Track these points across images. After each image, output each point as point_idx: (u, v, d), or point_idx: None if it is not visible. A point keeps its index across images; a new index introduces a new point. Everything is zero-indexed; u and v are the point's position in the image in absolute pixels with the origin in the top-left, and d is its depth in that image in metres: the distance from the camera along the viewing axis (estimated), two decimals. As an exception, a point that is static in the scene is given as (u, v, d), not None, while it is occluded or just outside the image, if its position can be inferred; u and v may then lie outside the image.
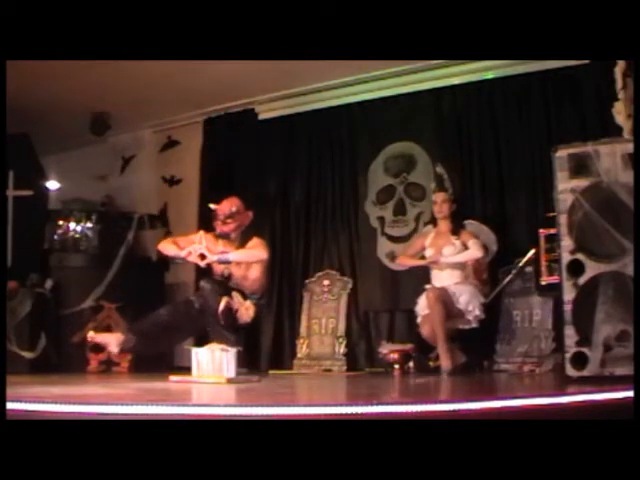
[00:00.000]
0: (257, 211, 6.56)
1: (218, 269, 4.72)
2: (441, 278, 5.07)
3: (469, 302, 4.92)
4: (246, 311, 4.43)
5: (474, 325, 4.95)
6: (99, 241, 6.55)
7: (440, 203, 5.16)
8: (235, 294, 4.45)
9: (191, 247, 4.50)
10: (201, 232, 4.65)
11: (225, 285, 4.54)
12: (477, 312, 4.93)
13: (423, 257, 5.24)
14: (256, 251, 4.61)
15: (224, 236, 4.66)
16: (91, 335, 4.61)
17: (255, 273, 4.62)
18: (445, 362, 4.73)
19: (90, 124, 7.00)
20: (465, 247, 5.03)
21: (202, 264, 4.52)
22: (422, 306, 5.03)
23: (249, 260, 4.59)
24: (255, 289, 4.62)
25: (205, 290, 4.45)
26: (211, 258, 4.47)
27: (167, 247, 4.72)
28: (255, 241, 4.69)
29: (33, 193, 6.28)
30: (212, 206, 4.79)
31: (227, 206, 4.69)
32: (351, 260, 6.34)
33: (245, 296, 4.52)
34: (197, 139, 7.16)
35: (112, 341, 4.42)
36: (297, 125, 6.71)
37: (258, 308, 4.57)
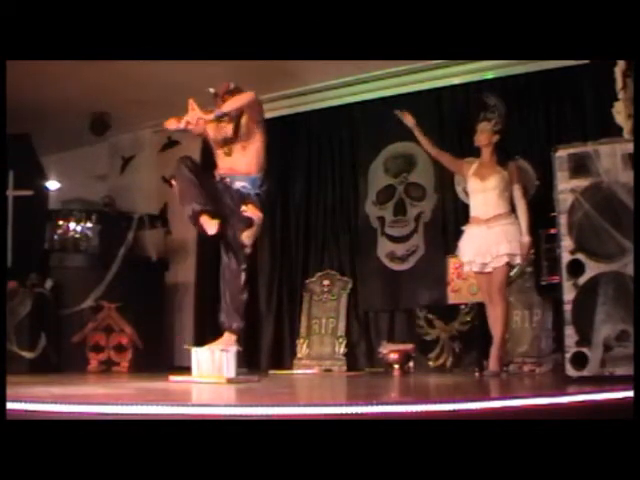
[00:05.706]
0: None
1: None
2: (486, 205, 4.78)
3: (511, 245, 4.65)
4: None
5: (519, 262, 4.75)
6: (99, 241, 6.56)
7: (479, 133, 4.96)
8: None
9: (187, 116, 4.33)
10: (190, 100, 4.42)
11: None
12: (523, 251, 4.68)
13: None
14: (243, 95, 4.46)
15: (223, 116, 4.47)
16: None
17: (251, 153, 4.53)
18: (494, 365, 4.61)
19: (90, 124, 7.01)
20: (511, 179, 4.77)
21: (199, 128, 4.41)
22: (468, 252, 4.82)
23: (241, 102, 4.41)
24: (252, 170, 4.52)
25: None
26: (209, 117, 4.35)
27: (169, 121, 4.60)
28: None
29: (33, 193, 6.29)
30: (211, 90, 4.61)
31: (225, 85, 4.58)
32: (351, 260, 6.35)
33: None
34: (197, 139, 7.14)
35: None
36: (297, 125, 6.72)
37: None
